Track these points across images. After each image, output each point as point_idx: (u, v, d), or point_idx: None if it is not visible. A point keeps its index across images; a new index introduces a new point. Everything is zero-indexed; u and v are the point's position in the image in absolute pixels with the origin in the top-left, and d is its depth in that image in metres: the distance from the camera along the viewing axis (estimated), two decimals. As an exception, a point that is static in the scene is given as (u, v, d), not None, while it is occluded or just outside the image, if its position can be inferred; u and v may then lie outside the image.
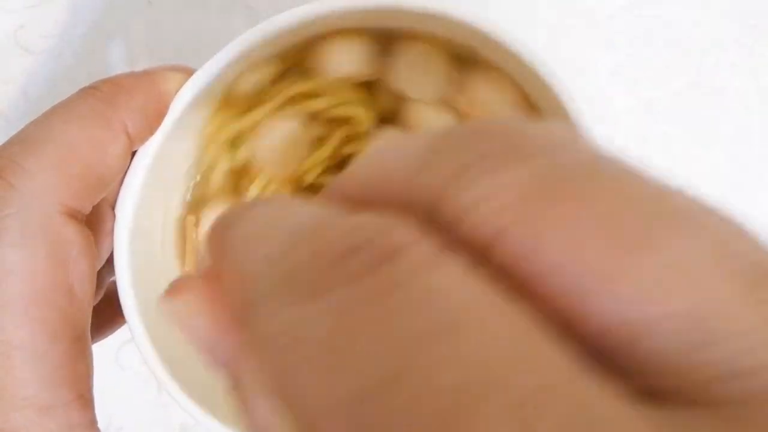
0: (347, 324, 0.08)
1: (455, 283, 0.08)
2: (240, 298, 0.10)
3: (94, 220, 0.23)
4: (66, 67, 0.34)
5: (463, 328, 0.08)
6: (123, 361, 0.35)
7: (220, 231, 0.11)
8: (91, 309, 0.22)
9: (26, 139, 0.21)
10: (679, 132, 0.35)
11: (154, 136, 0.23)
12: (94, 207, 0.22)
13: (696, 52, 0.35)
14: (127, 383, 0.35)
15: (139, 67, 0.24)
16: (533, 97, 0.27)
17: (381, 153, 0.11)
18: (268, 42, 0.24)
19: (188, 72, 0.24)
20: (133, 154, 0.24)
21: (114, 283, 0.24)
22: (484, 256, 0.09)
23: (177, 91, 0.24)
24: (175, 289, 0.12)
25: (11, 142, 0.21)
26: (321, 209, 0.10)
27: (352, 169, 0.11)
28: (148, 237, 0.26)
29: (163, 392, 0.24)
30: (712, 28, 0.35)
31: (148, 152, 0.24)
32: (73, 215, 0.21)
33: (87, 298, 0.21)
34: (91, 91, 0.22)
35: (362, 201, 0.10)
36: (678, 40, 0.35)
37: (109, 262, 0.24)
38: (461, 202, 0.09)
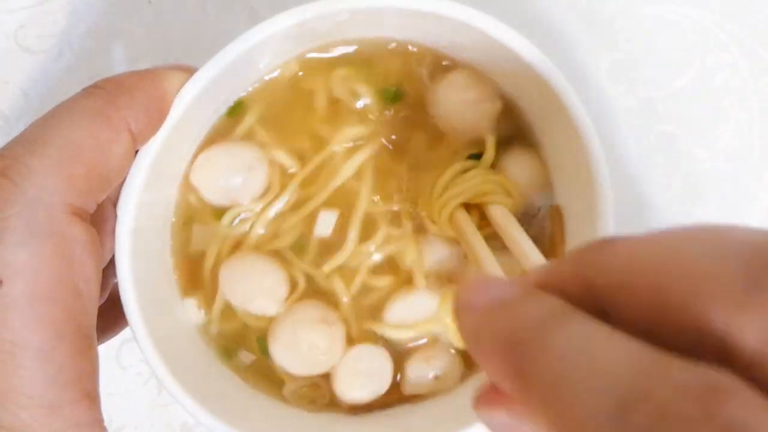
0: None
1: None
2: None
3: (98, 219, 0.23)
4: (66, 67, 0.34)
5: None
6: (124, 361, 0.35)
7: (515, 351, 0.12)
8: (96, 307, 0.22)
9: (30, 138, 0.21)
10: (679, 132, 0.35)
11: (156, 134, 0.23)
12: (98, 206, 0.22)
13: (696, 52, 0.35)
14: (127, 383, 0.35)
15: (140, 67, 0.24)
16: (529, 97, 0.27)
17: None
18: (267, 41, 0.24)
19: (190, 71, 0.24)
20: (137, 152, 0.23)
21: (118, 284, 0.24)
22: None
23: (179, 89, 0.24)
24: (481, 403, 0.16)
25: (15, 142, 0.21)
26: (628, 348, 0.11)
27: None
28: (149, 236, 0.25)
29: (164, 392, 0.24)
30: (712, 28, 0.35)
31: (150, 151, 0.24)
32: (78, 214, 0.21)
33: (92, 296, 0.21)
34: (94, 90, 0.22)
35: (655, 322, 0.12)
36: (678, 40, 0.35)
37: (113, 262, 0.24)
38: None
